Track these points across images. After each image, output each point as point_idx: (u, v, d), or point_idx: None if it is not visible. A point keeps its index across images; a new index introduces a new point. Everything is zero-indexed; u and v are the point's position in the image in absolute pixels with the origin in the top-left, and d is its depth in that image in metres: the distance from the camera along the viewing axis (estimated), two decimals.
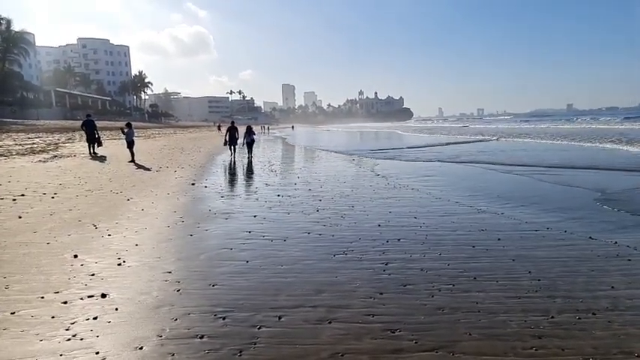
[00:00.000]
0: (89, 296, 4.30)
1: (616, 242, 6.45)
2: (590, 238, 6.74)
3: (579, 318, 4.03)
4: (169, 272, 5.13)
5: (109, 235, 6.68)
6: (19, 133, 28.88)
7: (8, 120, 41.76)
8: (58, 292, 4.38)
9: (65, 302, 4.15)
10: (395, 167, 17.68)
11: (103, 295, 4.33)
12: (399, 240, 6.77)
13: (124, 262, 5.41)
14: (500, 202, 9.84)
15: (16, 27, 61.54)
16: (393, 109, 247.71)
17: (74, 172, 13.37)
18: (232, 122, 22.72)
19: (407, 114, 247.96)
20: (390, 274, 5.23)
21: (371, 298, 4.50)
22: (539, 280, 5.02)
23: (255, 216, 8.35)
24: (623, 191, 10.86)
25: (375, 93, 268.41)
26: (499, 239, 6.80)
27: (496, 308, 4.25)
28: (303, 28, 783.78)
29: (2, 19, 58.89)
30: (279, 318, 3.99)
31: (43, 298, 4.26)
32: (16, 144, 21.55)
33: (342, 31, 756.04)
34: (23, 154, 17.27)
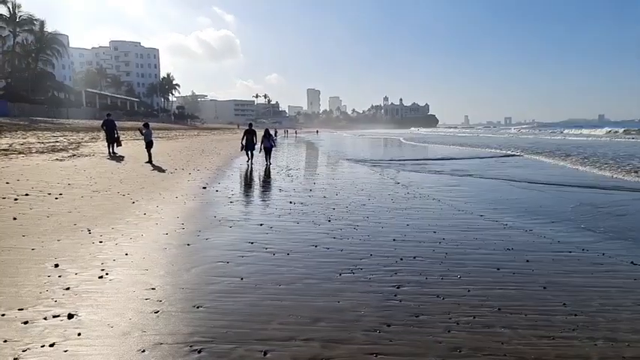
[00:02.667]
0: (54, 316, 3.84)
1: None
2: (633, 263, 5.92)
3: None
4: (153, 289, 4.64)
5: (101, 241, 6.27)
6: (45, 132, 29.38)
7: (39, 118, 42.81)
8: (22, 309, 3.94)
9: (26, 322, 3.69)
10: (416, 176, 16.92)
11: (70, 316, 3.85)
12: (414, 258, 6.12)
13: (107, 274, 4.95)
14: (528, 217, 9.02)
15: (49, 28, 63.38)
16: (419, 116, 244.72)
17: (87, 172, 13.19)
18: (250, 125, 20.89)
19: (432, 121, 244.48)
20: (400, 301, 4.59)
21: (376, 330, 3.88)
22: (575, 315, 4.29)
23: (261, 224, 7.83)
24: None
25: (400, 99, 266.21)
26: (527, 261, 6.06)
27: (525, 351, 3.57)
28: (328, 34, 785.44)
29: (36, 20, 60.68)
30: (265, 354, 3.42)
31: (3, 315, 3.82)
32: (39, 142, 21.79)
33: (368, 36, 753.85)
34: (42, 152, 17.32)
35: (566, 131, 71.63)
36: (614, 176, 15.48)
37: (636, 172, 16.05)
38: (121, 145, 20.91)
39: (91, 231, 6.80)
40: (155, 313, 4.04)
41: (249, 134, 19.66)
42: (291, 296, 4.58)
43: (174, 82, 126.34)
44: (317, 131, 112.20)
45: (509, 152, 29.47)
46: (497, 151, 31.67)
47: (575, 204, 10.59)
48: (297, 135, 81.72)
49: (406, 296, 4.71)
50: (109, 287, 4.60)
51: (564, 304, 4.57)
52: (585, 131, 64.23)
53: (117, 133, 20.41)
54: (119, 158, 18.69)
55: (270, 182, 14.28)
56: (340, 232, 7.44)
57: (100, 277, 4.87)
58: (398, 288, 4.94)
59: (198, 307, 4.22)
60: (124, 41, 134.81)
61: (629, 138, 45.02)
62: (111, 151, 19.78)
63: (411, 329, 3.92)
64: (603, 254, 6.37)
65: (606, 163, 19.36)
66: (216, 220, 8.08)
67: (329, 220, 8.36)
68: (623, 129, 56.46)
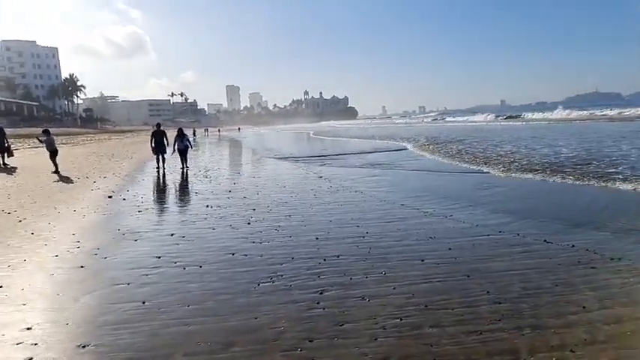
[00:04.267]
0: None
1: (573, 245, 5.85)
2: (546, 241, 6.12)
3: (555, 359, 3.20)
4: (29, 329, 3.79)
5: None
6: None
7: None
8: None
9: None
10: (338, 169, 16.85)
11: None
12: (338, 257, 5.79)
13: None
14: (447, 202, 9.18)
15: None
16: (338, 109, 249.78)
17: None
18: (158, 125, 18.19)
19: (352, 113, 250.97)
20: (324, 308, 4.21)
21: (297, 349, 3.44)
22: (499, 303, 4.21)
23: (172, 234, 7.06)
24: (567, 189, 10.64)
25: (320, 93, 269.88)
26: (450, 249, 6.02)
27: (454, 352, 3.34)
28: (244, 28, 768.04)
29: None
30: None
31: None
32: None
33: (287, 31, 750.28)
34: None
35: (457, 118, 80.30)
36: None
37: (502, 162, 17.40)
38: (12, 155, 18.56)
39: None
40: None
41: (158, 135, 17.35)
42: (201, 318, 3.99)
43: (78, 84, 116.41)
44: (239, 128, 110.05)
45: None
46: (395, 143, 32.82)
47: (486, 188, 11.06)
48: (220, 133, 79.35)
49: (330, 302, 4.33)
50: None
51: (488, 292, 4.49)
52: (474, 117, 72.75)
53: (7, 142, 18.11)
54: (10, 170, 16.48)
55: (185, 186, 13.29)
56: (260, 236, 6.92)
57: None
58: (321, 293, 4.56)
59: (84, 347, 3.48)
60: (18, 40, 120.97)
61: (497, 124, 50.41)
62: (1, 162, 17.47)
63: (335, 342, 3.54)
64: (518, 234, 6.53)
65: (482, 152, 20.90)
66: (120, 233, 7.15)
67: (248, 223, 7.80)
68: (494, 114, 65.88)
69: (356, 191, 10.99)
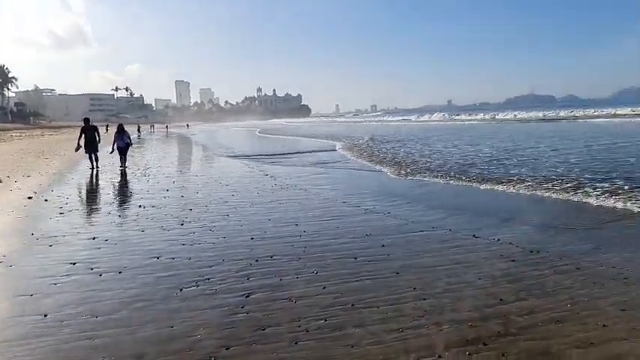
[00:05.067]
0: None
1: (498, 239, 6.06)
2: (474, 236, 6.29)
3: (469, 354, 3.23)
4: None
5: None
6: None
7: None
8: None
9: None
10: (284, 168, 16.68)
11: None
12: (271, 257, 5.64)
13: None
14: (388, 199, 9.29)
15: None
16: (292, 106, 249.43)
17: None
18: (86, 120, 16.58)
19: (305, 111, 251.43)
20: (248, 313, 4.04)
21: (211, 358, 3.25)
22: (424, 299, 4.23)
23: (94, 238, 6.59)
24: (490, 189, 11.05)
25: (274, 90, 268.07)
26: (383, 245, 6.04)
27: (373, 352, 3.29)
28: (194, 21, 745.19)
29: None
30: None
31: None
32: None
33: (241, 26, 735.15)
34: None
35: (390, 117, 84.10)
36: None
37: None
38: None
39: None
40: None
41: (89, 131, 15.79)
42: (111, 330, 3.69)
43: (9, 75, 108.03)
44: (187, 125, 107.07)
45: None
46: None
47: (423, 185, 11.34)
48: (168, 130, 76.69)
49: (255, 306, 4.17)
50: None
51: (414, 288, 4.51)
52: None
53: None
54: None
55: (120, 185, 12.59)
56: (192, 237, 6.62)
57: None
58: (247, 297, 4.39)
59: None
60: None
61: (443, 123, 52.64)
62: None
63: (253, 348, 3.39)
64: (450, 230, 6.68)
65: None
66: (33, 238, 6.57)
67: (182, 224, 7.45)
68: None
69: (300, 189, 10.88)
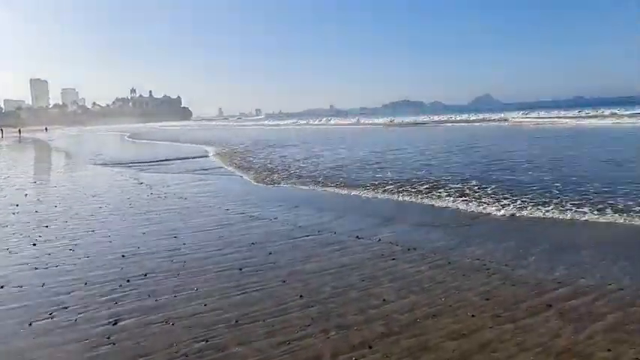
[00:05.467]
0: None
1: (380, 239, 6.30)
2: (358, 237, 6.47)
3: (355, 359, 3.22)
4: None
5: None
6: None
7: None
8: None
9: None
10: (163, 174, 15.54)
11: None
12: (145, 275, 5.08)
13: None
14: (273, 204, 9.15)
15: None
16: (171, 109, 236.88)
17: None
18: None
19: (186, 113, 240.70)
20: (115, 343, 3.52)
21: None
22: (311, 306, 4.16)
23: None
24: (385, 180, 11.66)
25: (150, 91, 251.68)
26: (270, 253, 5.87)
27: None
28: (52, 14, 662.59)
29: None
30: None
31: None
32: None
33: (113, 19, 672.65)
34: None
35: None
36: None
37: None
38: None
39: None
40: None
41: None
42: None
43: None
44: (46, 129, 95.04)
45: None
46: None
47: (308, 191, 11.46)
48: (21, 135, 66.81)
49: (124, 334, 3.67)
50: None
51: (301, 295, 4.42)
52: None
53: None
54: None
55: None
56: (48, 259, 5.69)
57: None
58: (115, 324, 3.84)
59: None
60: None
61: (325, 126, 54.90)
62: None
63: None
64: (334, 233, 6.78)
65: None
66: None
67: (34, 244, 6.38)
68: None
69: (179, 197, 10.18)
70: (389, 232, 6.67)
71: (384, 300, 4.23)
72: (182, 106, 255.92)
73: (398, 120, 55.17)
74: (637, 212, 6.96)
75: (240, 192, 11.08)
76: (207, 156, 21.32)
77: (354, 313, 3.98)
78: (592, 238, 6.03)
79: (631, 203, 7.48)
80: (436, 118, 52.71)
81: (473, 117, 47.78)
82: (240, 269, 5.27)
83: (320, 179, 12.18)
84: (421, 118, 55.09)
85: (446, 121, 47.04)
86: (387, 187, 10.38)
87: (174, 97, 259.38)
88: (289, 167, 15.33)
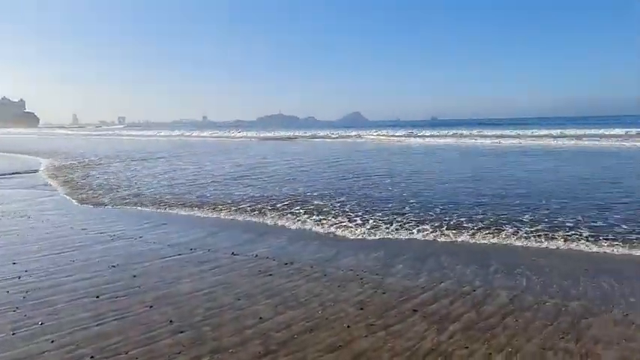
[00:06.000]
0: None
1: (257, 255, 6.18)
2: (233, 254, 6.25)
3: None
4: None
5: None
6: None
7: None
8: None
9: None
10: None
11: None
12: None
13: None
14: (138, 222, 8.36)
15: None
16: (13, 114, 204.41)
17: None
18: None
19: (31, 120, 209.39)
20: None
21: None
22: (182, 332, 3.83)
23: None
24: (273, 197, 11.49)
25: None
26: (135, 276, 5.31)
27: None
28: None
29: None
30: None
31: None
32: None
33: None
34: None
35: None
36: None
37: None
38: None
39: None
40: None
41: None
42: None
43: None
44: None
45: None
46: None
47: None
48: None
49: None
50: None
51: (171, 321, 4.06)
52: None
53: None
54: None
55: None
56: None
57: None
58: None
59: None
60: None
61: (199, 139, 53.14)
62: None
63: None
64: (209, 250, 6.44)
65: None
66: None
67: None
68: None
69: (20, 216, 8.69)
70: (265, 247, 6.57)
71: (260, 318, 4.11)
72: (25, 110, 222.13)
73: (270, 134, 55.67)
74: (478, 223, 7.95)
75: (97, 211, 9.90)
76: (39, 170, 18.52)
77: (229, 334, 3.78)
78: (444, 246, 6.72)
79: (471, 215, 8.56)
80: (309, 133, 54.63)
81: (343, 133, 50.70)
82: (98, 296, 4.65)
83: (168, 198, 10.77)
84: (294, 133, 56.58)
85: (314, 137, 48.83)
86: (249, 205, 9.79)
87: (16, 100, 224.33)
88: (135, 184, 13.38)
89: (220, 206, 9.64)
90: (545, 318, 4.07)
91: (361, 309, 4.28)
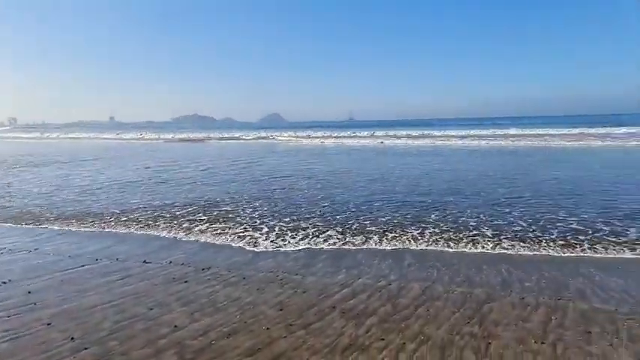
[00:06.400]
0: None
1: (170, 262, 5.89)
2: (145, 262, 5.89)
3: None
4: None
5: None
6: None
7: None
8: None
9: None
10: None
11: None
12: None
13: None
14: (30, 233, 7.54)
15: None
16: None
17: None
18: None
19: None
20: None
21: None
22: (85, 349, 3.52)
23: None
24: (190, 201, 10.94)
25: None
26: (30, 292, 4.78)
27: None
28: None
29: None
30: None
31: None
32: None
33: None
34: None
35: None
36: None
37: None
38: None
39: None
40: None
41: None
42: None
43: None
44: None
45: None
46: None
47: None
48: None
49: None
50: None
51: (72, 338, 3.71)
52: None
53: None
54: None
55: None
56: None
57: None
58: None
59: None
60: None
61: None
62: None
63: None
64: (117, 259, 6.01)
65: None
66: None
67: None
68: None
69: None
70: (181, 254, 6.29)
71: (175, 327, 3.92)
72: None
73: (183, 135, 53.22)
74: (385, 224, 8.35)
75: None
76: None
77: (140, 347, 3.55)
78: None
79: (380, 214, 8.97)
80: (226, 134, 53.26)
81: (259, 134, 50.20)
82: None
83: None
84: (208, 134, 54.75)
85: (229, 138, 47.79)
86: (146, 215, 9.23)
87: None
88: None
89: (107, 217, 8.67)
90: (454, 306, 4.39)
91: (281, 310, 4.27)
